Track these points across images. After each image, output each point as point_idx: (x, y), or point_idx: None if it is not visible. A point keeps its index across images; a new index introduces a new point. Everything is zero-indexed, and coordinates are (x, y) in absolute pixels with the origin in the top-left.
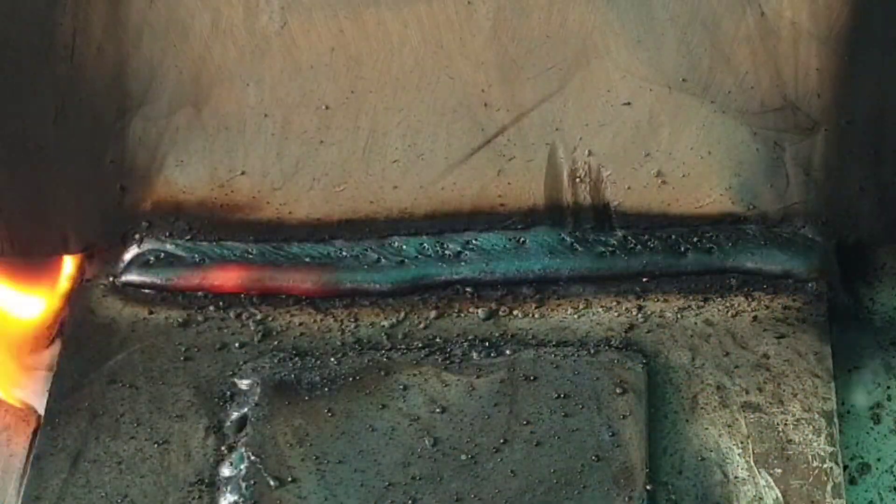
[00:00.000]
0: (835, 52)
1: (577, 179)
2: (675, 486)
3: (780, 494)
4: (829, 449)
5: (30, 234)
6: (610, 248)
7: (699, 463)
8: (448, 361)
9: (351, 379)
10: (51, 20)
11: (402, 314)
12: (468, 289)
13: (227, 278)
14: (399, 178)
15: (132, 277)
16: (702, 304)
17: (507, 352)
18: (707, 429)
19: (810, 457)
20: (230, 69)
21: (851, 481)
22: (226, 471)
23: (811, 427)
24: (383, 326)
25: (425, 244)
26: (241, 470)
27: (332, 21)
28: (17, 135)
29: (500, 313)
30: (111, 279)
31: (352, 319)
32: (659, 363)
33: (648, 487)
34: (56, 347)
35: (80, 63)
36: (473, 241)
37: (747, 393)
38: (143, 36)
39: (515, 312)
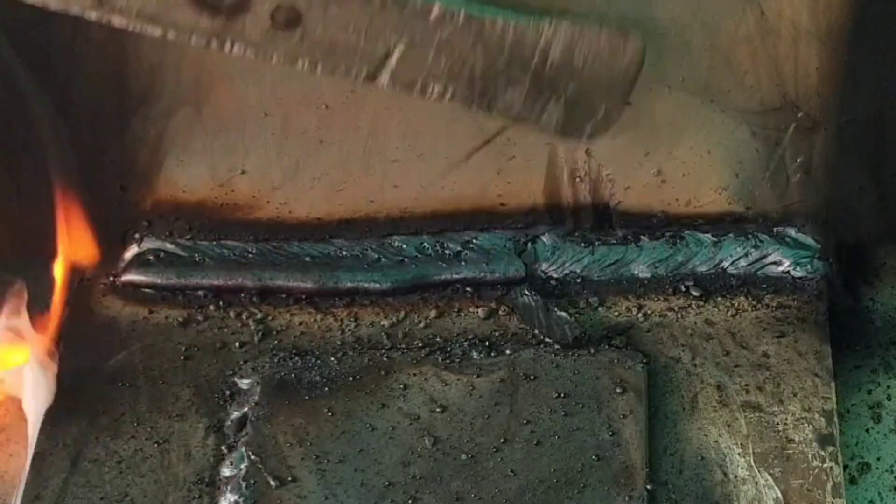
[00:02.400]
0: (835, 51)
1: (577, 179)
2: (675, 486)
3: (779, 494)
4: (829, 448)
5: (30, 234)
6: (610, 248)
7: (699, 462)
8: (448, 361)
9: (351, 378)
10: (51, 20)
11: (403, 313)
12: (468, 288)
13: (227, 277)
14: (399, 178)
15: (132, 277)
16: (702, 303)
17: (507, 351)
18: (707, 428)
19: (810, 456)
20: (230, 69)
21: (851, 481)
22: (226, 470)
23: (811, 426)
24: (383, 326)
25: (425, 244)
26: (241, 469)
27: None
28: (17, 134)
29: (500, 313)
30: (111, 279)
31: (352, 319)
32: (659, 363)
33: (649, 487)
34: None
35: (80, 63)
36: (473, 241)
37: (747, 392)
38: (143, 36)
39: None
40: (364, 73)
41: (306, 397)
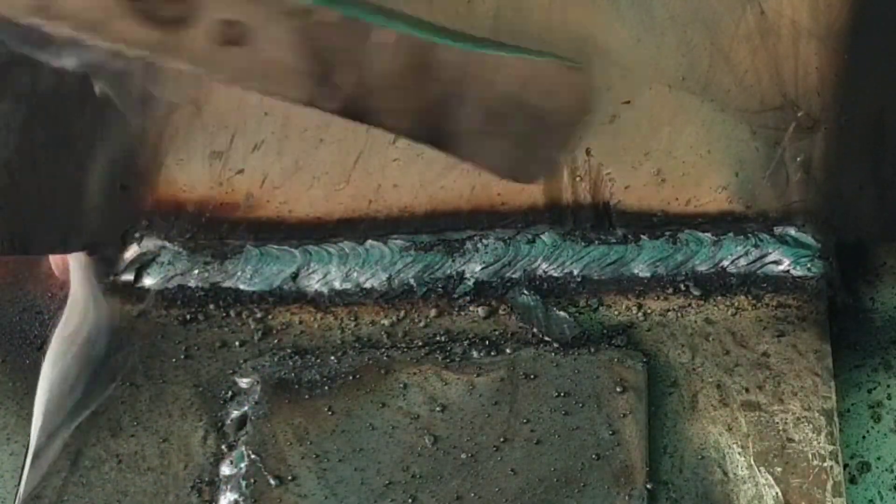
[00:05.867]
0: (834, 50)
1: (577, 178)
2: (675, 485)
3: (780, 493)
4: (829, 447)
5: (30, 233)
6: (610, 247)
7: (699, 461)
8: (448, 360)
9: (351, 377)
10: None
11: (403, 312)
12: (468, 287)
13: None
14: (399, 177)
15: (132, 276)
16: (702, 302)
17: (508, 350)
18: (707, 427)
19: (810, 455)
20: None
21: (851, 480)
22: (226, 469)
23: (811, 426)
24: (383, 325)
25: (425, 243)
26: (241, 468)
27: None
28: (17, 133)
29: (500, 312)
30: (111, 278)
31: (352, 318)
32: (659, 362)
33: (649, 486)
34: None
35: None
36: (474, 240)
37: (747, 391)
38: None
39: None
40: (305, 98)
41: (306, 396)
